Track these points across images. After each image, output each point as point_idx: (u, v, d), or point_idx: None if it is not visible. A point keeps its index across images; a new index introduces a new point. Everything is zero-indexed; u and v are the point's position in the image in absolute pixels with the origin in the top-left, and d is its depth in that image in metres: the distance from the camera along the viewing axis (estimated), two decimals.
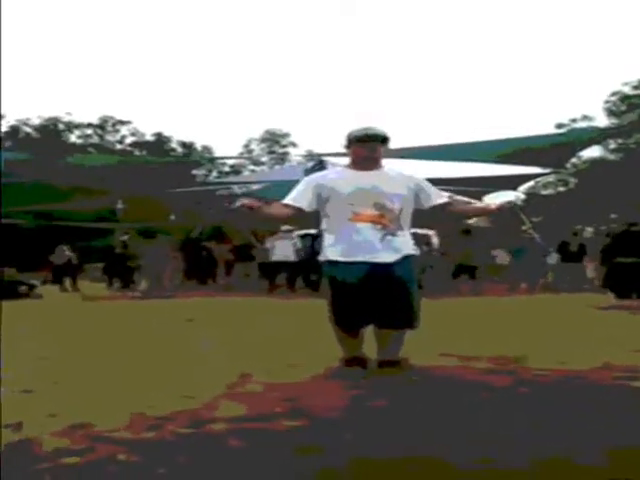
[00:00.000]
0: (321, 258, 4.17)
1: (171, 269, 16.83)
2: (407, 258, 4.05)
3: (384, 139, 4.16)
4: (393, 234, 4.02)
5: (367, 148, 4.11)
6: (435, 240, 17.15)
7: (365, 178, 4.07)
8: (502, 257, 19.75)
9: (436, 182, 4.48)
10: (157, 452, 2.60)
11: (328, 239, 4.14)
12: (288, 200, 4.18)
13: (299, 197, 4.17)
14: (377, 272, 3.95)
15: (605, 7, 77.08)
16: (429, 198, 4.21)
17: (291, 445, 2.66)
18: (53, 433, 2.85)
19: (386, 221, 4.01)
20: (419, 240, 4.36)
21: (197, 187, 23.56)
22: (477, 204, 4.32)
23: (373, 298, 4.00)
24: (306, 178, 4.37)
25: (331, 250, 4.07)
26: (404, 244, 4.08)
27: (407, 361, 4.21)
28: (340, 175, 4.24)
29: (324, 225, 4.22)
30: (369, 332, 4.20)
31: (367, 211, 4.00)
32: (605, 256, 11.03)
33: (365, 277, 3.95)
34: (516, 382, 3.96)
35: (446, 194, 4.38)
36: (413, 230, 4.33)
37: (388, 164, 4.27)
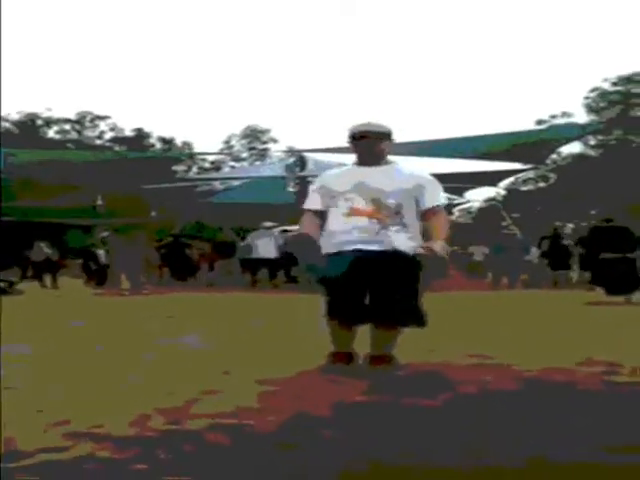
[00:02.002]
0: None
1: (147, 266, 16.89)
2: (401, 253, 3.98)
3: (382, 135, 4.12)
4: (388, 228, 3.98)
5: (362, 145, 4.10)
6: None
7: (366, 174, 4.05)
8: (479, 254, 19.87)
9: None
10: (138, 449, 2.58)
11: (326, 233, 4.14)
12: (307, 206, 4.27)
13: (311, 202, 4.25)
14: (369, 264, 3.93)
15: (585, 4, 77.51)
16: (422, 202, 4.11)
17: (275, 442, 2.65)
18: (36, 430, 2.83)
19: (382, 216, 3.97)
20: None
21: (177, 183, 23.43)
22: (435, 236, 4.17)
23: (366, 291, 4.01)
24: (316, 179, 4.42)
25: (326, 243, 4.08)
26: (399, 239, 3.99)
27: (395, 358, 4.18)
28: (344, 172, 4.27)
29: (328, 222, 4.19)
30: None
31: (363, 206, 3.98)
32: (587, 252, 11.14)
33: (357, 268, 3.92)
34: (501, 378, 3.98)
35: (440, 202, 4.19)
36: None
37: (401, 161, 4.26)
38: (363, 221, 3.98)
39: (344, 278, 3.94)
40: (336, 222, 4.08)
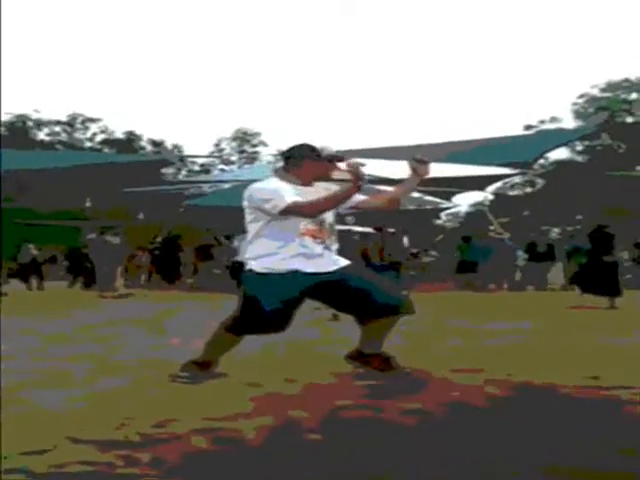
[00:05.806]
0: (254, 266, 3.94)
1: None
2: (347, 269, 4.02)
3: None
4: (329, 247, 4.04)
5: (323, 167, 4.03)
6: (405, 240, 17.10)
7: (303, 192, 3.93)
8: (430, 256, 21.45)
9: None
10: (122, 452, 2.59)
11: (267, 246, 3.94)
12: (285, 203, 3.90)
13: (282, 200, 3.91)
14: (322, 280, 3.90)
15: (574, 10, 78.05)
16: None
17: (258, 448, 2.67)
18: (21, 430, 2.84)
19: (324, 235, 4.00)
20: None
21: (166, 186, 23.31)
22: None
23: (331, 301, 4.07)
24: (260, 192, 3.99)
25: (270, 260, 3.91)
26: (338, 256, 4.08)
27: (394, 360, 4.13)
28: (282, 187, 3.97)
29: (263, 231, 3.97)
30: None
31: (310, 225, 3.93)
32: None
33: (306, 289, 3.89)
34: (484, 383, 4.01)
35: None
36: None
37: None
38: (311, 241, 3.92)
39: (287, 300, 3.86)
40: (287, 239, 3.90)
